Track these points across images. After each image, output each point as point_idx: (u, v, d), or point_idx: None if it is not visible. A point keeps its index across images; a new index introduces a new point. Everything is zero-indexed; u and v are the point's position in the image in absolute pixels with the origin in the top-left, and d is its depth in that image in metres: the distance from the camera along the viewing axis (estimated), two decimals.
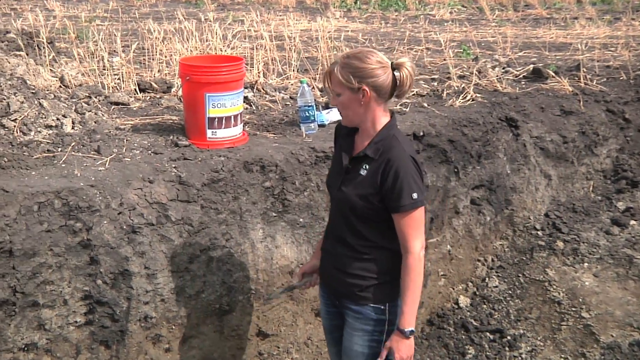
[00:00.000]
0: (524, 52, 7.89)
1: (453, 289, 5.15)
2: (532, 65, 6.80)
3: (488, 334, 4.84)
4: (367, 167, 2.90)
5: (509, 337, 4.80)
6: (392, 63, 2.84)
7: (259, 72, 5.76)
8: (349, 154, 2.99)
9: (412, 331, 2.89)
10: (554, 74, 6.52)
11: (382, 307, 2.97)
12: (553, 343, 4.78)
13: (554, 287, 5.08)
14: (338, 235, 3.04)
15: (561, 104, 6.11)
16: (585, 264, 5.21)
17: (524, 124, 5.68)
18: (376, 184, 2.86)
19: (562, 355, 4.71)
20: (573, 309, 4.91)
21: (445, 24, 10.54)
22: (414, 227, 2.86)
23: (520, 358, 4.69)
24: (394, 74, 2.83)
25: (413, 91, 5.75)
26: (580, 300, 4.95)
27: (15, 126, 3.71)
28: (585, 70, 6.69)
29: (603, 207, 5.94)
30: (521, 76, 6.63)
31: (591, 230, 5.55)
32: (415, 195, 2.81)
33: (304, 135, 4.44)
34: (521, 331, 4.87)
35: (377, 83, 2.81)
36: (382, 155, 2.86)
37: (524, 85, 6.36)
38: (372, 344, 2.99)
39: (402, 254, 2.90)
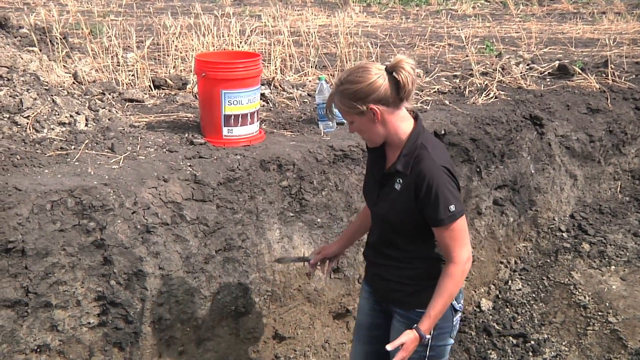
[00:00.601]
0: (549, 48, 7.75)
1: (475, 291, 5.06)
2: (557, 62, 6.66)
3: (511, 338, 4.75)
4: (401, 180, 2.82)
5: (532, 342, 4.70)
6: (386, 67, 2.73)
7: (276, 69, 5.69)
8: (381, 168, 2.92)
9: (428, 339, 2.84)
10: (580, 71, 6.39)
11: None
12: (578, 348, 4.66)
13: (580, 290, 4.96)
14: (378, 247, 3.02)
15: (588, 102, 5.97)
16: (612, 267, 5.09)
17: (549, 123, 5.56)
18: (411, 199, 2.78)
19: None
20: (599, 313, 4.79)
21: (468, 19, 10.41)
22: (456, 239, 2.78)
23: None
24: (392, 78, 2.71)
25: (434, 88, 5.65)
26: (607, 304, 4.83)
27: (28, 123, 3.67)
28: (613, 66, 6.54)
29: (631, 209, 5.83)
30: (546, 73, 6.50)
31: (618, 232, 5.42)
32: (452, 208, 2.72)
33: (322, 134, 4.38)
34: (545, 336, 4.76)
35: (380, 96, 2.71)
36: (413, 169, 2.77)
37: (549, 83, 6.23)
38: (418, 348, 2.88)
39: (446, 262, 2.83)
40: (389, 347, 2.81)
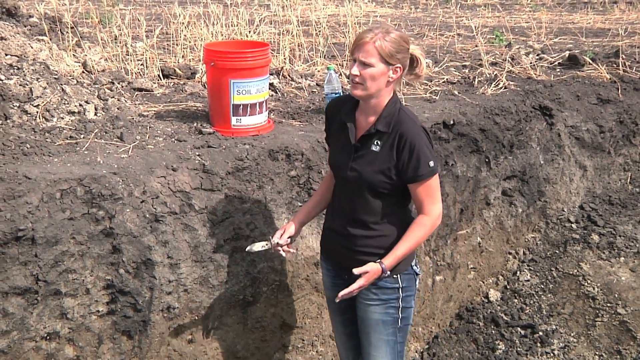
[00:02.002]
0: (560, 38, 7.70)
1: (483, 282, 5.05)
2: (567, 52, 6.62)
3: (519, 329, 4.75)
4: (379, 142, 2.99)
5: (540, 333, 4.70)
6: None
7: (285, 58, 5.67)
8: (356, 132, 3.06)
9: (388, 274, 3.04)
10: (590, 61, 6.34)
11: (395, 276, 3.10)
12: (587, 339, 4.65)
13: (589, 281, 4.94)
14: (349, 216, 3.10)
15: (598, 92, 5.93)
16: (622, 259, 5.06)
17: (558, 113, 5.53)
18: (392, 158, 2.96)
19: (597, 352, 4.58)
20: (608, 304, 4.78)
21: (478, 8, 10.35)
22: (431, 194, 3.00)
23: (552, 354, 4.58)
24: (414, 58, 3.01)
25: (443, 78, 5.62)
26: (616, 295, 4.81)
27: (37, 112, 3.67)
28: (624, 56, 6.48)
29: None
30: (556, 63, 6.46)
31: (628, 223, 5.39)
32: (431, 163, 2.94)
33: None
34: (553, 327, 4.75)
35: (406, 63, 2.97)
36: (394, 129, 2.96)
37: (559, 73, 6.19)
38: (389, 311, 3.15)
39: (418, 215, 3.05)
40: (355, 271, 2.98)
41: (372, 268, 3.00)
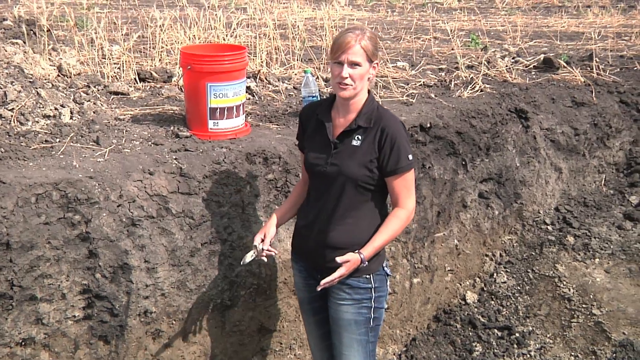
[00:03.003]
0: (535, 42, 7.78)
1: (460, 284, 5.08)
2: (542, 55, 6.70)
3: (496, 330, 4.78)
4: (360, 137, 3.09)
5: (517, 334, 4.73)
6: None
7: (262, 62, 5.67)
8: (333, 130, 3.16)
9: (365, 266, 3.11)
10: (565, 64, 6.42)
11: (367, 276, 3.17)
12: (563, 340, 4.70)
13: (564, 283, 5.00)
14: (328, 213, 3.16)
15: (573, 95, 6.00)
16: (597, 260, 5.13)
17: (534, 116, 5.59)
18: (374, 151, 3.07)
19: (572, 353, 4.62)
20: (584, 305, 4.83)
21: (454, 12, 10.43)
22: (408, 187, 3.12)
23: (528, 355, 4.62)
24: None
25: (420, 81, 5.65)
26: (591, 296, 4.87)
27: (12, 116, 3.63)
28: (598, 60, 6.58)
29: (615, 202, 5.86)
30: (531, 66, 6.53)
31: (603, 225, 5.46)
32: (410, 157, 3.08)
33: None
34: (530, 328, 4.79)
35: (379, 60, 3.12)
36: (375, 124, 3.08)
37: (534, 76, 6.25)
38: (362, 311, 3.21)
39: (394, 208, 3.15)
40: (338, 259, 3.04)
41: (352, 257, 3.06)
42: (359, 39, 2.98)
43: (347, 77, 2.99)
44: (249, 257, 3.31)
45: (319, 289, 3.12)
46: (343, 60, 2.98)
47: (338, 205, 3.13)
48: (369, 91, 3.15)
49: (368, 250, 3.09)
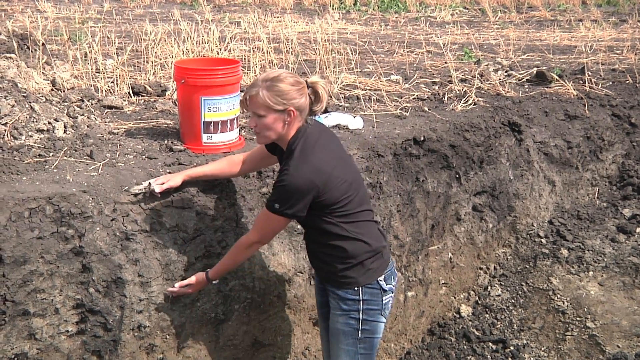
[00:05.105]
0: (527, 55, 7.83)
1: (454, 297, 5.07)
2: (535, 69, 6.73)
3: (490, 344, 4.77)
4: None
5: (512, 348, 4.73)
6: (306, 82, 3.09)
7: (255, 75, 5.68)
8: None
9: (215, 283, 3.45)
10: (558, 78, 6.45)
11: (356, 288, 3.24)
12: (557, 354, 4.70)
13: (558, 296, 5.00)
14: (309, 235, 3.33)
15: (565, 108, 6.03)
16: (591, 273, 5.13)
17: (527, 129, 5.61)
18: None
19: None
20: (578, 318, 4.83)
21: (447, 26, 10.47)
22: (260, 220, 3.22)
23: None
24: (313, 92, 3.09)
25: (413, 95, 5.67)
26: (585, 309, 4.87)
27: (5, 130, 3.62)
28: (590, 73, 6.62)
29: (608, 214, 5.86)
30: (524, 80, 6.56)
31: (596, 237, 5.46)
32: (276, 205, 3.07)
33: None
34: (524, 341, 4.79)
35: (300, 103, 3.04)
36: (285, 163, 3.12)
37: (527, 89, 6.28)
38: (350, 321, 3.28)
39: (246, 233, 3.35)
40: (176, 284, 3.38)
41: (196, 277, 3.38)
42: (260, 90, 3.02)
43: (254, 126, 3.10)
44: (137, 189, 3.39)
45: (166, 292, 3.41)
46: (250, 111, 3.11)
47: (309, 231, 3.31)
48: (298, 130, 3.12)
49: (213, 272, 3.36)
